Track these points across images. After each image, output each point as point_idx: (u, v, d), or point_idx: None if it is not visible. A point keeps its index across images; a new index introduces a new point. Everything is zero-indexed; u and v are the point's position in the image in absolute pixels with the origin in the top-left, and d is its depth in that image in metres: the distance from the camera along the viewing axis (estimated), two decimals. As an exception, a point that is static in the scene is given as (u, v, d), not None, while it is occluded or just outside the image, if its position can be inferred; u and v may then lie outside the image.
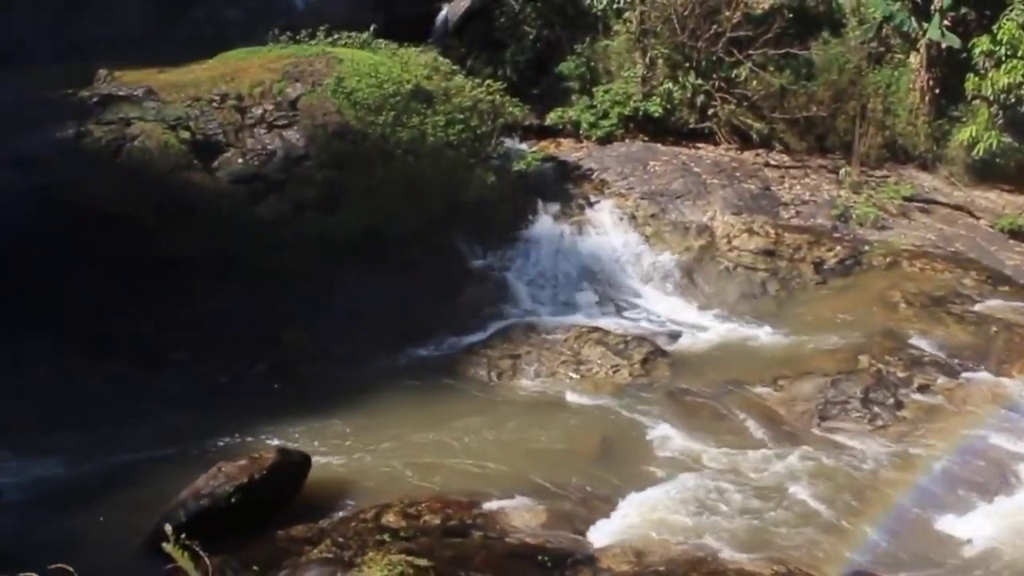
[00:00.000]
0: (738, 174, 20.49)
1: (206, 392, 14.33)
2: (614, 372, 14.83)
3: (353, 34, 19.87)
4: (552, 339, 15.71)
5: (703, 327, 16.74)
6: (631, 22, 21.97)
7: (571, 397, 14.35)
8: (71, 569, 4.93)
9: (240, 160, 16.56)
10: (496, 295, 17.13)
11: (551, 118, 21.81)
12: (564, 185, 19.65)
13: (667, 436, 12.99)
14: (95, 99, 17.07)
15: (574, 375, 14.86)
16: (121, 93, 17.22)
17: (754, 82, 21.45)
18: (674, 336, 16.28)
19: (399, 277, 16.50)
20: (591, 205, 19.23)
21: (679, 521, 10.82)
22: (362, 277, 16.20)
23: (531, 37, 23.02)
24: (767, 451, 12.55)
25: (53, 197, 15.40)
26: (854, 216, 19.51)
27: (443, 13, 23.67)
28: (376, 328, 15.82)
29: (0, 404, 13.62)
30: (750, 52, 21.37)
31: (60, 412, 13.56)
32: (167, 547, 5.42)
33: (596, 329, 15.99)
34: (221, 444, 12.71)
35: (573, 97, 22.23)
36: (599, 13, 22.72)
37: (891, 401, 13.64)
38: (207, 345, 15.12)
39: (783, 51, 21.54)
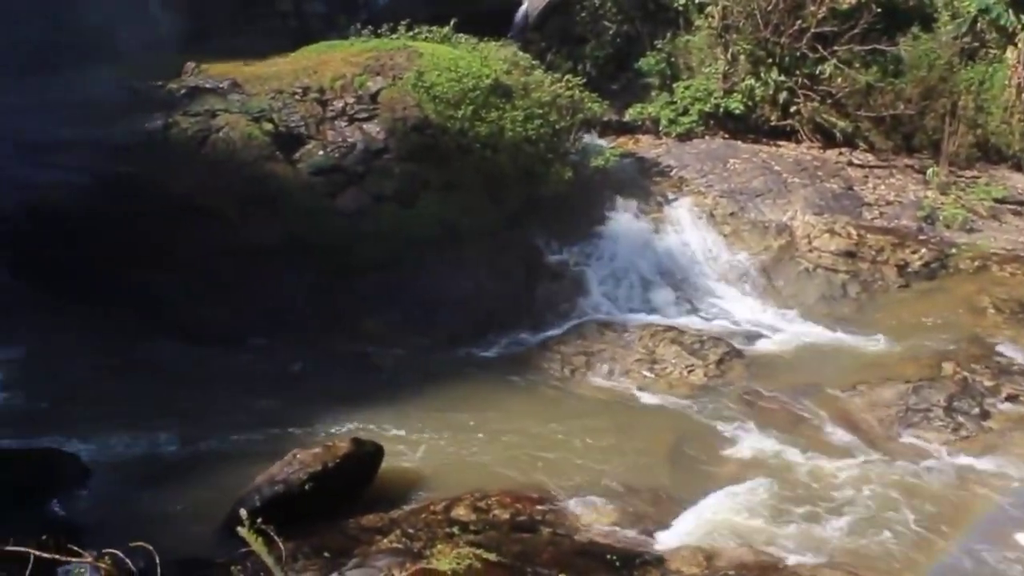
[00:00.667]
0: (820, 173, 20.08)
1: (284, 378, 14.63)
2: (688, 372, 14.69)
3: (434, 28, 19.98)
4: (626, 337, 15.64)
5: (780, 328, 16.47)
6: (713, 17, 21.68)
7: (644, 396, 14.27)
8: (150, 547, 5.07)
9: (321, 152, 16.79)
10: (571, 291, 17.09)
11: (630, 114, 21.66)
12: (642, 182, 19.50)
13: (741, 438, 12.83)
14: (183, 91, 17.49)
15: (648, 374, 14.75)
16: (207, 85, 17.60)
17: (839, 79, 20.97)
18: (751, 337, 16.06)
19: (475, 271, 16.60)
20: (669, 202, 19.06)
21: (750, 525, 10.69)
22: (439, 270, 16.34)
23: (611, 32, 22.89)
24: (844, 457, 12.30)
25: (142, 186, 15.84)
26: (941, 218, 18.95)
27: (523, 8, 23.69)
28: (452, 321, 15.97)
29: (90, 386, 14.18)
30: (835, 48, 20.90)
31: (146, 394, 13.98)
32: (242, 531, 5.55)
33: (671, 328, 15.86)
34: (296, 430, 12.94)
35: (653, 93, 22.05)
36: (680, 8, 22.46)
37: (976, 411, 13.23)
38: (286, 332, 15.44)
39: (870, 47, 21.02)
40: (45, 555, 4.64)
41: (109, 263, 15.70)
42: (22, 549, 4.58)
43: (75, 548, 5.17)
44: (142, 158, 16.02)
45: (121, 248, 15.63)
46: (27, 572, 4.69)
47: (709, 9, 21.79)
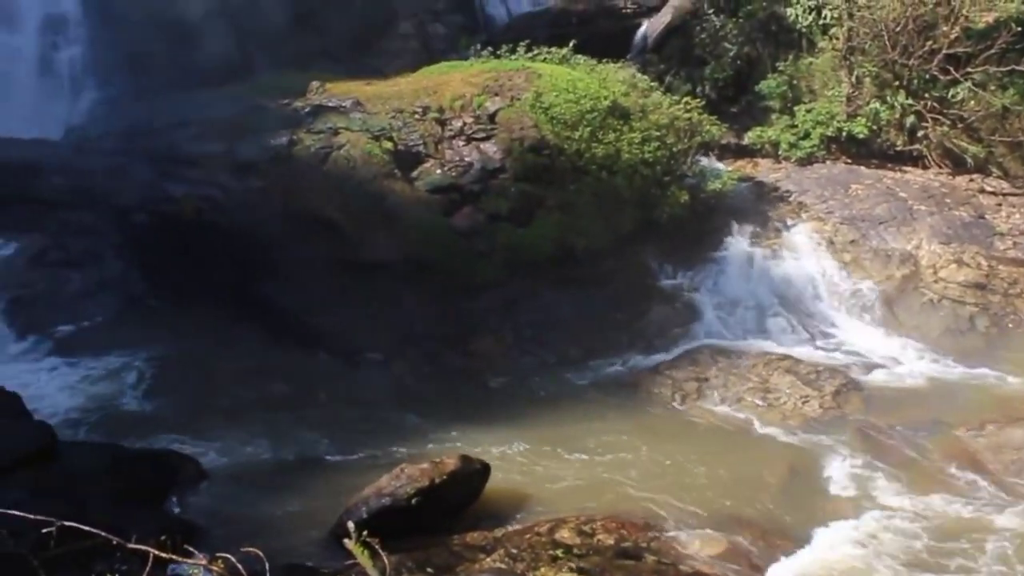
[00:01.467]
0: (948, 200, 19.29)
1: (395, 392, 14.88)
2: (803, 403, 14.28)
3: (553, 50, 20.11)
4: (740, 364, 15.32)
5: (901, 361, 15.86)
6: (838, 39, 21.14)
7: (756, 426, 13.93)
8: (260, 554, 5.18)
9: (438, 171, 17.08)
10: (684, 316, 16.87)
11: (749, 137, 21.30)
12: (760, 206, 19.13)
13: (856, 474, 12.36)
14: (307, 109, 18.07)
15: (761, 403, 14.42)
16: (331, 104, 18.13)
17: (972, 102, 20.15)
18: (869, 369, 15.50)
19: (588, 292, 16.57)
20: (787, 228, 18.64)
21: (862, 564, 10.27)
22: (552, 290, 16.37)
23: (731, 54, 22.57)
24: (965, 500, 11.71)
25: (266, 201, 16.42)
26: (1081, 251, 17.96)
27: (642, 29, 23.62)
28: (563, 341, 15.96)
29: (211, 391, 14.72)
30: (968, 70, 20.10)
31: (263, 401, 14.46)
32: (349, 544, 5.64)
33: (786, 357, 15.46)
34: (405, 444, 13.12)
35: (773, 116, 21.63)
36: (804, 30, 21.99)
37: (1115, 459, 12.43)
38: (399, 347, 15.70)
39: (1008, 68, 20.13)
40: (163, 555, 4.80)
41: (235, 274, 16.35)
42: (142, 547, 4.75)
43: (190, 549, 5.34)
44: (268, 173, 16.61)
45: (246, 259, 16.25)
46: (146, 570, 4.86)
47: (834, 31, 21.27)
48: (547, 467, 12.59)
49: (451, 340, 15.80)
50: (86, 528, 4.53)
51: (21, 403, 12.64)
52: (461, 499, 11.39)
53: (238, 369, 15.36)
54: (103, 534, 4.50)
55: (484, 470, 11.65)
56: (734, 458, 12.86)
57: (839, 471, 12.45)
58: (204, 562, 5.07)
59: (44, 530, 4.59)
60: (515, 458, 12.74)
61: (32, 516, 4.54)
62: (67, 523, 4.58)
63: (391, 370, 15.40)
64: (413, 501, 10.79)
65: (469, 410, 14.10)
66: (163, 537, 4.96)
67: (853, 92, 20.96)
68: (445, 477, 11.11)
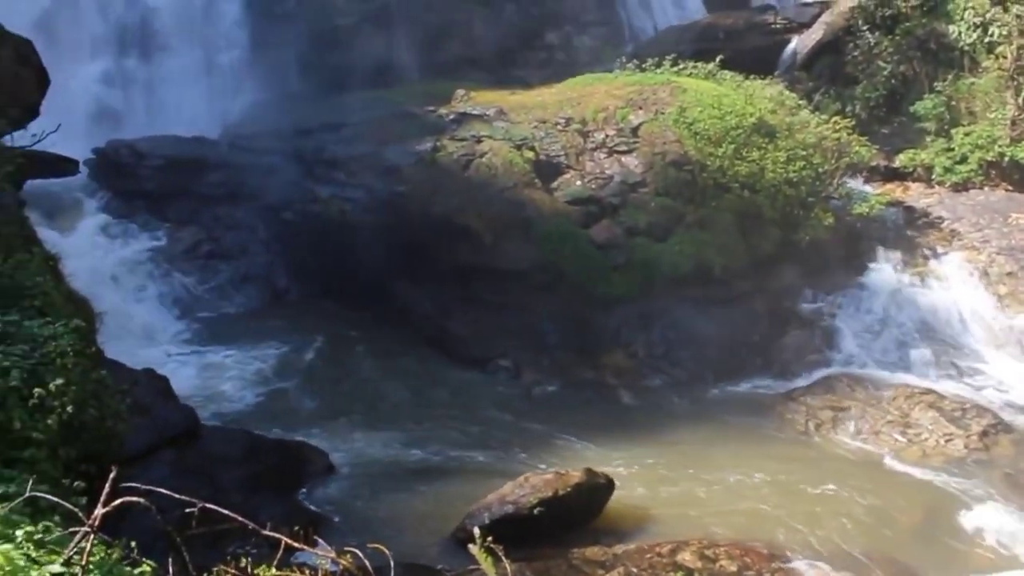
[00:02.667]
0: (1120, 236, 18.04)
1: (524, 401, 14.99)
2: (946, 441, 13.60)
3: (699, 64, 19.82)
4: (878, 396, 14.73)
5: (1060, 404, 14.91)
6: (1005, 57, 20.06)
7: (894, 462, 13.35)
8: (386, 550, 5.27)
9: (578, 182, 17.08)
10: (822, 341, 16.35)
11: (901, 160, 20.44)
12: (908, 232, 18.36)
13: (1000, 522, 11.69)
14: (451, 116, 18.39)
15: (900, 438, 13.81)
16: (475, 112, 18.39)
17: None
18: (1022, 411, 14.63)
19: (723, 311, 16.26)
20: (937, 256, 17.82)
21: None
22: (686, 307, 16.14)
23: (885, 73, 21.74)
24: None
25: (407, 205, 16.80)
26: None
27: (792, 45, 23.06)
28: (695, 360, 15.73)
29: (347, 387, 15.18)
30: None
31: (395, 401, 14.81)
32: (472, 548, 5.68)
33: (929, 391, 14.77)
34: (531, 453, 13.18)
35: (927, 138, 20.67)
36: (966, 48, 20.98)
37: None
38: (531, 356, 15.80)
39: None
40: (295, 544, 4.93)
41: (374, 274, 16.79)
42: (276, 535, 4.90)
43: (319, 540, 5.49)
44: (411, 177, 16.98)
45: (385, 261, 16.66)
46: (277, 556, 5.02)
47: (1001, 49, 20.19)
48: (673, 487, 12.40)
49: (582, 352, 15.78)
50: (225, 512, 4.71)
51: (169, 386, 13.33)
52: (583, 512, 11.35)
53: (371, 367, 15.80)
54: (240, 519, 4.66)
55: (608, 485, 11.57)
56: (869, 494, 12.35)
57: (982, 519, 11.78)
58: (332, 554, 5.19)
59: (187, 510, 4.80)
60: (640, 475, 12.60)
61: (177, 496, 4.75)
62: (208, 505, 4.77)
63: (521, 378, 15.52)
64: (535, 511, 10.82)
65: (597, 423, 14.05)
66: (296, 528, 5.12)
67: (1019, 115, 19.86)
68: (569, 489, 11.09)
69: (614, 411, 14.71)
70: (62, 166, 15.91)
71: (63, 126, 13.03)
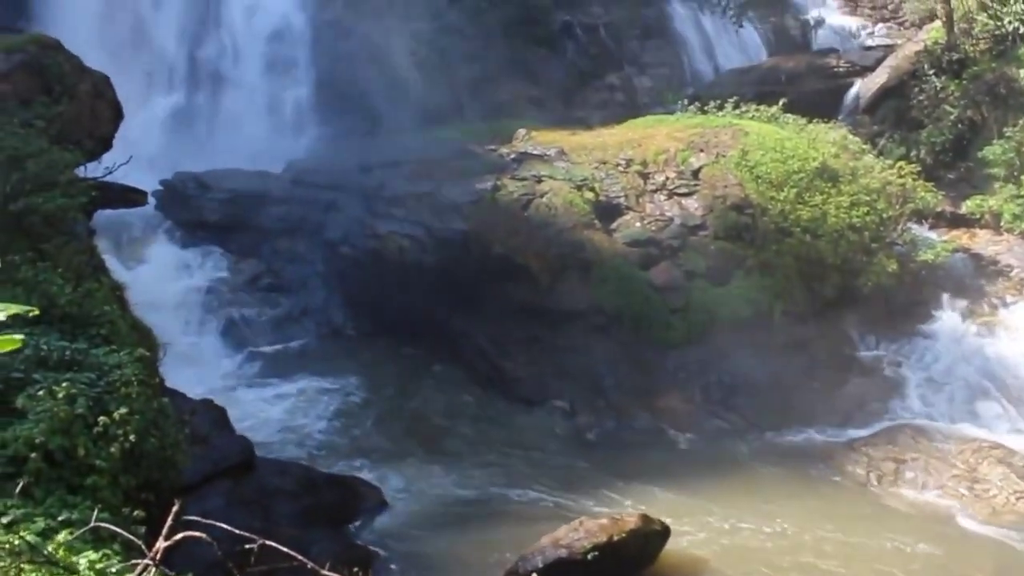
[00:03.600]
0: None
1: (579, 443, 14.84)
2: (1017, 499, 13.13)
3: (761, 108, 19.72)
4: (944, 448, 14.31)
5: None
6: (1077, 105, 19.67)
7: (960, 518, 12.93)
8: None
9: (638, 224, 17.00)
10: (884, 390, 15.97)
11: (968, 206, 20.01)
12: (975, 281, 17.94)
13: (1077, 585, 11.24)
14: (512, 156, 18.47)
15: (967, 493, 13.38)
16: (536, 152, 18.46)
17: None
18: (1098, 468, 14.10)
19: (783, 357, 15.99)
20: (1006, 305, 17.38)
21: None
22: (745, 352, 15.90)
23: (952, 117, 21.36)
24: None
25: (466, 243, 16.84)
26: None
27: (855, 89, 22.85)
28: (754, 406, 15.45)
29: (402, 423, 15.18)
30: None
31: (449, 438, 14.75)
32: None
33: (999, 446, 14.31)
34: (584, 496, 13.02)
35: (996, 185, 20.22)
36: (1038, 92, 20.58)
37: None
38: (586, 397, 15.66)
39: None
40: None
41: (431, 311, 16.85)
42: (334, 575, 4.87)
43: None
44: (471, 216, 17.03)
45: (443, 298, 16.71)
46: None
47: (1073, 96, 19.81)
48: (729, 536, 12.14)
49: (638, 395, 15.60)
50: (284, 549, 4.69)
51: (226, 416, 13.43)
52: (638, 559, 11.15)
53: (426, 404, 15.78)
54: (300, 557, 4.64)
55: (664, 532, 11.37)
56: (933, 551, 11.98)
57: (1057, 579, 11.36)
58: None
59: (247, 546, 4.79)
60: (697, 522, 12.36)
61: (237, 531, 4.75)
62: (268, 543, 4.76)
63: (576, 419, 15.38)
64: (589, 556, 10.66)
65: (653, 468, 13.84)
66: (355, 569, 5.08)
67: (1091, 163, 19.39)
68: (624, 535, 10.92)
69: (670, 456, 14.49)
70: (131, 197, 16.23)
71: (134, 157, 13.38)
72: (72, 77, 13.43)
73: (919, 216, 18.87)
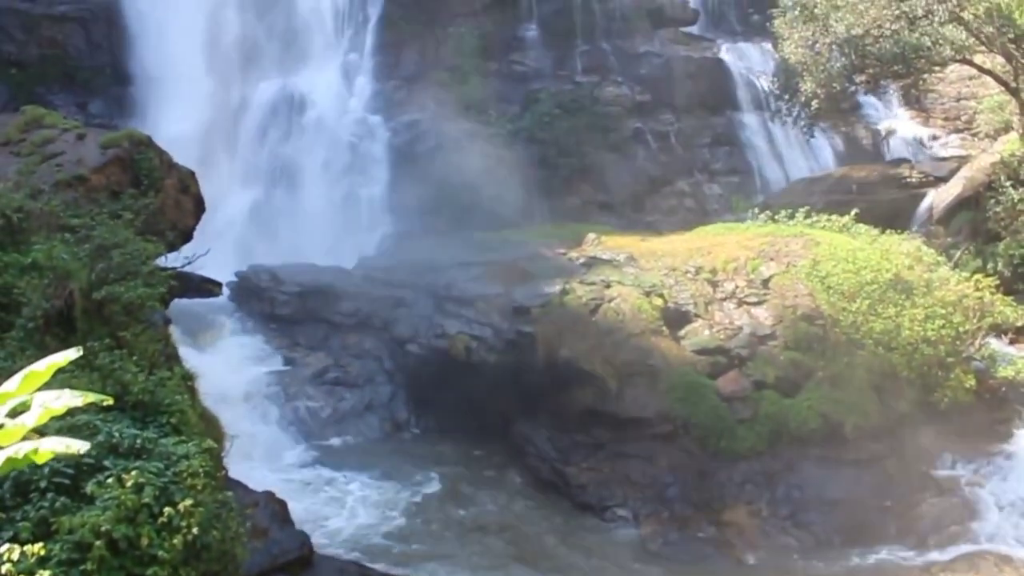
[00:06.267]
0: None
1: (641, 553, 14.45)
2: (1109, 635, 12.37)
3: (833, 217, 19.59)
4: (1030, 578, 13.58)
5: None
6: None
7: (1049, 653, 12.19)
8: None
9: (707, 332, 16.84)
10: (963, 512, 15.28)
11: (1050, 321, 19.46)
12: (1060, 400, 17.27)
13: None
14: (581, 260, 18.57)
15: (1055, 627, 12.64)
16: (605, 257, 18.52)
17: None
18: None
19: (854, 473, 15.47)
20: (1095, 427, 16.65)
21: None
22: (815, 467, 15.46)
23: (1030, 229, 20.97)
24: None
25: (533, 346, 16.82)
26: None
27: (928, 200, 22.57)
28: (823, 523, 14.90)
29: (460, 527, 14.95)
30: None
31: (509, 543, 14.47)
32: None
33: (1088, 577, 13.54)
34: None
35: (1079, 301, 19.69)
36: None
37: None
38: (650, 506, 15.30)
39: None
40: None
41: (495, 413, 16.78)
42: None
43: None
44: (538, 319, 17.05)
45: (507, 400, 16.65)
46: None
47: None
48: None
49: (703, 506, 15.18)
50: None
51: (286, 510, 13.36)
52: None
53: (486, 508, 15.56)
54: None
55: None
56: None
57: None
58: None
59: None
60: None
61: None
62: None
63: (639, 529, 14.98)
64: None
65: (717, 585, 13.38)
66: None
67: None
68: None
69: (735, 571, 13.99)
70: (206, 287, 16.69)
71: (212, 249, 13.80)
72: (160, 171, 14.02)
73: (998, 330, 18.34)
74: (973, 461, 16.21)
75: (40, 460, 2.21)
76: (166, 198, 13.67)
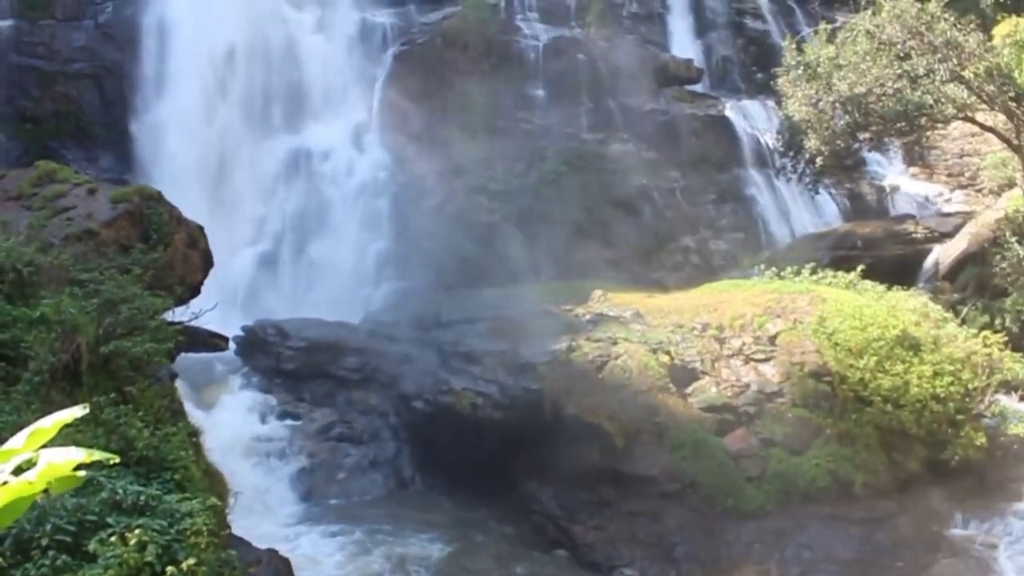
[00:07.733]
0: None
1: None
2: None
3: (839, 273, 19.60)
4: (1046, 643, 13.31)
5: None
6: None
7: None
8: None
9: (714, 389, 16.77)
10: (977, 573, 15.03)
11: (1061, 378, 19.30)
12: (1073, 458, 17.07)
13: None
14: (588, 317, 18.53)
15: None
16: (612, 313, 18.50)
17: None
18: None
19: (864, 532, 15.27)
20: (1111, 490, 16.43)
21: None
22: (824, 526, 15.26)
23: (1038, 285, 20.91)
24: None
25: (539, 403, 16.74)
26: None
27: (933, 255, 22.61)
28: (834, 584, 14.68)
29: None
30: None
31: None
32: None
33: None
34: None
35: (1089, 357, 19.56)
36: None
37: None
38: (657, 566, 15.10)
39: None
40: None
41: (500, 470, 16.64)
42: None
43: None
44: (545, 376, 16.99)
45: (513, 458, 16.52)
46: None
47: None
48: None
49: (711, 565, 14.97)
50: None
51: (290, 569, 13.18)
52: None
53: (490, 568, 15.33)
54: None
55: None
56: None
57: None
58: None
59: None
60: None
61: None
62: None
63: (645, 589, 14.77)
64: None
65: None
66: None
67: None
68: None
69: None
70: (213, 341, 16.69)
71: (219, 303, 13.83)
72: (169, 226, 14.12)
73: (1008, 387, 18.23)
74: (986, 521, 16.00)
75: (37, 489, 2.20)
76: (175, 252, 13.75)
